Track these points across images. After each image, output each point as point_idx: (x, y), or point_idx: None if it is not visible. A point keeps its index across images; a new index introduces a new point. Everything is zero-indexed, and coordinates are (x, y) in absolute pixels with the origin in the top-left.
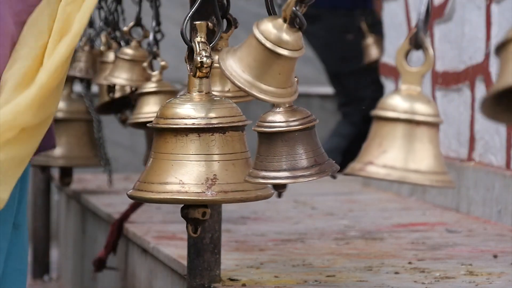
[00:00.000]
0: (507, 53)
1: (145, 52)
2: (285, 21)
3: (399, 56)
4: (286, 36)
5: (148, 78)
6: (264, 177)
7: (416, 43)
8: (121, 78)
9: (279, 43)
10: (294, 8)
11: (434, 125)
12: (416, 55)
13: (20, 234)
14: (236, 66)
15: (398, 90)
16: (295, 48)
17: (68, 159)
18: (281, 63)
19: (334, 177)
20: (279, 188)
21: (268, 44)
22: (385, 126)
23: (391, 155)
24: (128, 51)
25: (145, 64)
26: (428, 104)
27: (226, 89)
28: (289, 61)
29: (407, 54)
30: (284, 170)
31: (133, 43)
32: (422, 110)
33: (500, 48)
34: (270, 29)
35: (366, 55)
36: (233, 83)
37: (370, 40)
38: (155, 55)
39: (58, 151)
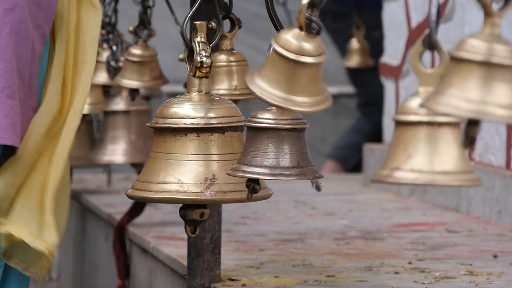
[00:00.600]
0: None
1: (153, 51)
2: (301, 29)
3: (414, 58)
4: (306, 44)
5: (156, 77)
6: (244, 172)
7: (429, 44)
8: (132, 79)
9: (302, 52)
10: (307, 14)
11: (455, 125)
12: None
13: None
14: (264, 85)
15: (416, 93)
16: (317, 53)
17: None
18: (307, 72)
19: (318, 189)
20: (254, 183)
21: (291, 56)
22: (408, 130)
23: (417, 159)
24: (137, 52)
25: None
26: None
27: (233, 87)
28: (315, 68)
29: (421, 56)
30: (265, 166)
31: (140, 43)
32: None
33: (452, 59)
34: (290, 40)
35: (348, 58)
36: (266, 102)
37: (354, 44)
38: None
39: None
